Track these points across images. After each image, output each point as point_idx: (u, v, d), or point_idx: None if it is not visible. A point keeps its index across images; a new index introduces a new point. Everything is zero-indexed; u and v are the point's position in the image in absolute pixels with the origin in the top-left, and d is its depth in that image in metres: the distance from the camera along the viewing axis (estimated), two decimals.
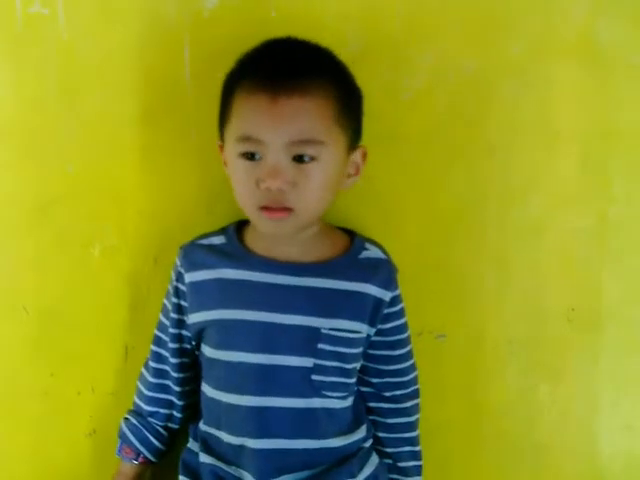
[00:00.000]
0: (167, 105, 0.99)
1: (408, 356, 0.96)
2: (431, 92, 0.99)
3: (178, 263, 0.93)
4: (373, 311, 0.90)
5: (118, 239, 1.02)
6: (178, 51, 0.97)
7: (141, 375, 0.99)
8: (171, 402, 0.97)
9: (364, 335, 0.90)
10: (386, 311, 0.92)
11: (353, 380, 0.92)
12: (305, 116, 0.80)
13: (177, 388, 0.96)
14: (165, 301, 0.96)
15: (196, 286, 0.91)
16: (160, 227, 1.02)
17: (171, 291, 0.94)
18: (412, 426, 0.97)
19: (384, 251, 0.95)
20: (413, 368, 0.97)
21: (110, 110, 0.99)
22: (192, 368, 0.96)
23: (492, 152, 1.00)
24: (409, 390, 0.97)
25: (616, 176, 1.01)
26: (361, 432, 0.93)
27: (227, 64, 0.87)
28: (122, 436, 0.97)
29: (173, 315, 0.94)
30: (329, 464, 0.89)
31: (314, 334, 0.87)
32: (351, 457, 0.90)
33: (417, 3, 0.97)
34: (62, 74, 0.98)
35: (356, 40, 0.97)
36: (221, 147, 0.89)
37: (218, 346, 0.89)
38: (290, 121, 0.80)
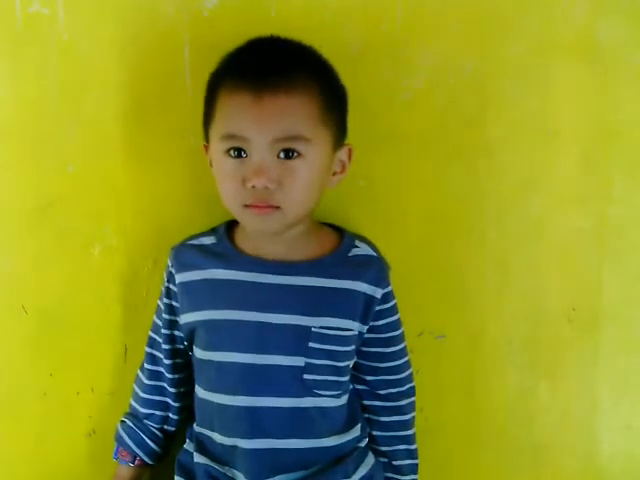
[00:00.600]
0: (167, 105, 0.99)
1: (402, 353, 0.96)
2: (431, 92, 0.99)
3: (169, 264, 0.93)
4: (364, 308, 0.90)
5: (117, 239, 1.02)
6: (178, 51, 0.97)
7: (137, 377, 0.99)
8: (167, 404, 0.97)
9: (355, 333, 0.90)
10: (378, 308, 0.91)
11: (346, 378, 0.92)
12: (290, 114, 0.81)
13: (172, 389, 0.96)
14: (158, 302, 0.97)
15: (187, 286, 0.91)
16: (159, 228, 1.02)
17: (163, 292, 0.95)
18: (407, 424, 0.97)
19: (374, 248, 0.95)
20: (408, 365, 0.97)
21: (110, 110, 0.99)
22: (186, 369, 0.96)
23: (492, 152, 1.00)
24: (404, 388, 0.97)
25: (616, 176, 1.01)
26: (356, 431, 0.93)
27: None
28: (119, 439, 0.97)
29: (165, 316, 0.94)
30: (323, 464, 0.89)
31: (305, 333, 0.87)
32: (346, 457, 0.90)
33: (417, 3, 0.97)
34: (62, 74, 0.98)
35: (356, 40, 0.97)
36: (206, 148, 0.89)
37: (209, 347, 0.89)
38: (275, 119, 0.80)
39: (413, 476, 0.97)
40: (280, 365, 0.87)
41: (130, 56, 0.98)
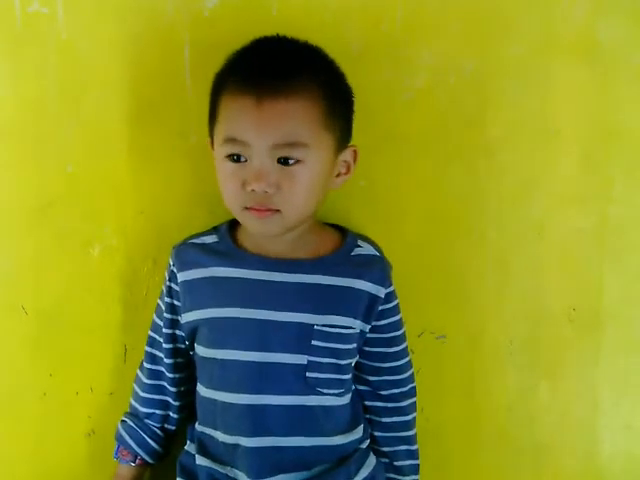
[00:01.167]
0: (167, 105, 0.99)
1: (404, 353, 0.96)
2: (431, 92, 0.99)
3: (171, 263, 0.93)
4: (367, 307, 0.90)
5: (117, 239, 1.02)
6: (178, 51, 0.97)
7: (136, 377, 0.99)
8: (167, 403, 0.97)
9: (357, 331, 0.90)
10: (381, 307, 0.92)
11: (348, 377, 0.92)
12: (289, 119, 0.80)
13: (172, 389, 0.96)
14: (159, 301, 0.97)
15: (189, 285, 0.91)
16: (159, 227, 1.02)
17: (164, 291, 0.95)
18: (408, 425, 0.97)
19: (377, 248, 0.95)
20: (410, 365, 0.97)
21: (109, 110, 0.99)
22: (187, 368, 0.96)
23: (492, 152, 1.00)
24: (407, 388, 0.97)
25: (616, 176, 1.01)
26: (358, 432, 0.93)
27: None
28: (119, 439, 0.97)
29: (167, 315, 0.94)
30: (325, 463, 0.89)
31: (307, 331, 0.87)
32: (348, 458, 0.90)
33: (417, 3, 0.97)
34: (61, 73, 0.98)
35: (356, 40, 0.97)
36: (211, 144, 0.89)
37: (212, 345, 0.89)
38: (274, 124, 0.80)
39: (414, 476, 0.97)
40: (283, 363, 0.87)
41: (130, 56, 0.98)
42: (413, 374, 0.98)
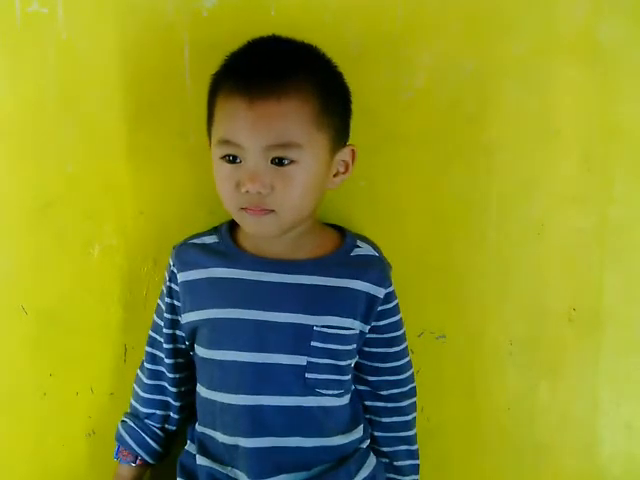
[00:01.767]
0: (166, 105, 0.99)
1: (404, 353, 0.96)
2: (431, 92, 0.99)
3: (171, 263, 0.93)
4: (366, 308, 0.90)
5: (117, 239, 1.02)
6: (178, 51, 0.97)
7: (137, 377, 0.99)
8: (167, 403, 0.97)
9: (357, 332, 0.90)
10: (380, 308, 0.92)
11: (347, 377, 0.92)
12: (281, 120, 0.80)
13: (173, 389, 0.96)
14: (159, 302, 0.97)
15: (189, 285, 0.91)
16: (159, 227, 1.02)
17: (165, 291, 0.95)
18: (408, 425, 0.97)
19: (376, 248, 0.95)
20: (409, 366, 0.97)
21: (109, 110, 0.99)
22: (187, 368, 0.96)
23: (492, 152, 1.00)
24: (406, 389, 0.97)
25: (617, 176, 1.00)
26: (358, 432, 0.93)
27: None
28: (119, 439, 0.97)
29: (167, 315, 0.94)
30: (326, 464, 0.89)
31: (306, 332, 0.87)
32: (348, 458, 0.90)
33: (417, 3, 0.96)
34: (61, 73, 0.98)
35: (356, 40, 0.97)
36: (210, 145, 0.89)
37: (211, 345, 0.89)
38: (266, 125, 0.80)
39: (414, 476, 0.97)
40: (282, 364, 0.87)
41: (130, 56, 0.98)
42: (413, 374, 0.98)
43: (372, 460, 0.93)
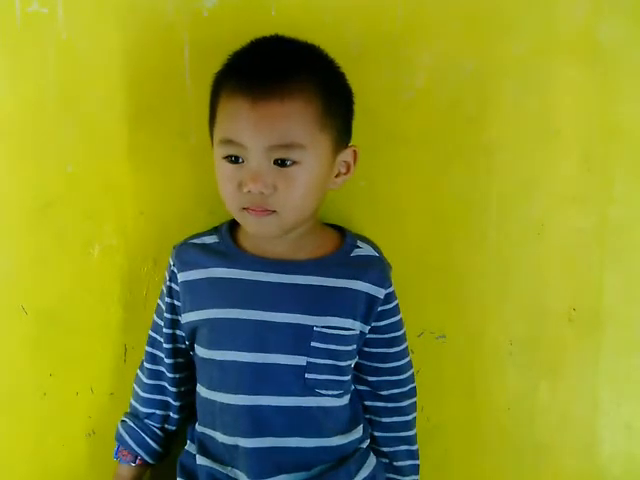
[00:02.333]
0: (167, 105, 0.99)
1: (404, 353, 0.96)
2: (431, 92, 0.99)
3: (171, 263, 0.93)
4: (366, 308, 0.90)
5: (117, 239, 1.02)
6: (178, 51, 0.97)
7: (136, 377, 0.99)
8: (167, 403, 0.97)
9: (357, 332, 0.90)
10: (380, 308, 0.92)
11: (347, 378, 0.92)
12: (284, 120, 0.80)
13: (173, 389, 0.96)
14: (159, 301, 0.97)
15: (189, 285, 0.91)
16: (159, 227, 1.02)
17: (165, 291, 0.95)
18: (408, 425, 0.97)
19: (376, 249, 0.95)
20: (410, 366, 0.97)
21: (109, 110, 0.99)
22: (187, 368, 0.96)
23: (492, 152, 1.00)
24: (407, 389, 0.97)
25: (617, 176, 1.00)
26: (358, 432, 0.93)
27: None
28: (119, 439, 0.97)
29: (167, 315, 0.94)
30: (326, 464, 0.89)
31: (306, 332, 0.87)
32: (348, 458, 0.90)
33: (417, 3, 0.96)
34: (61, 73, 0.98)
35: (356, 40, 0.97)
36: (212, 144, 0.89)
37: (211, 345, 0.89)
38: (269, 126, 0.80)
39: (414, 477, 0.97)
40: (282, 364, 0.87)
41: (130, 56, 0.98)
42: (413, 374, 0.98)
43: (372, 460, 0.93)
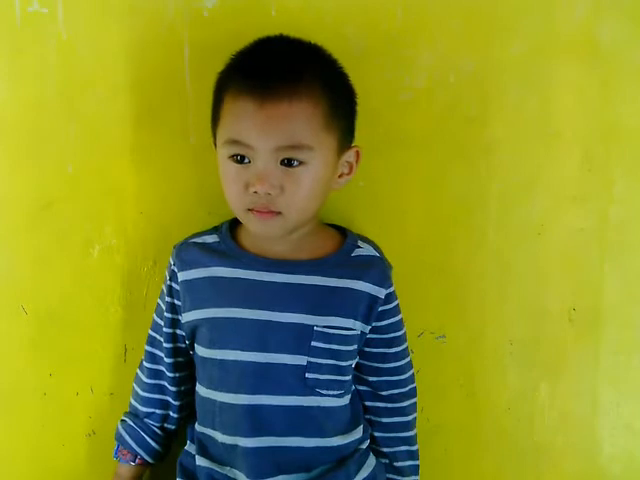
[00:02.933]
0: (167, 105, 0.99)
1: (404, 354, 0.96)
2: (431, 92, 0.99)
3: (172, 262, 0.93)
4: (367, 308, 0.90)
5: (117, 239, 1.02)
6: (178, 50, 0.97)
7: (136, 376, 0.99)
8: (167, 402, 0.97)
9: (358, 332, 0.90)
10: (381, 308, 0.92)
11: (348, 378, 0.92)
12: (292, 122, 0.80)
13: (173, 388, 0.96)
14: (159, 301, 0.97)
15: (189, 284, 0.91)
16: (159, 228, 1.02)
17: (165, 290, 0.95)
18: (408, 425, 0.97)
19: (377, 249, 0.95)
20: (410, 366, 0.97)
21: (109, 110, 0.99)
22: (187, 367, 0.96)
23: (492, 152, 1.00)
24: (407, 389, 0.97)
25: (617, 176, 1.01)
26: (358, 432, 0.93)
27: None
28: (119, 438, 0.97)
29: (167, 314, 0.94)
30: (326, 465, 0.89)
31: (307, 332, 0.87)
32: (348, 459, 0.90)
33: (417, 3, 0.96)
34: (61, 73, 0.98)
35: (356, 40, 0.97)
36: (215, 144, 0.89)
37: (211, 345, 0.89)
38: (277, 127, 0.80)
39: (414, 477, 0.97)
40: (282, 364, 0.87)
41: (130, 56, 0.98)
42: (413, 375, 0.98)
43: (372, 461, 0.93)
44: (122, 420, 0.98)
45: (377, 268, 0.92)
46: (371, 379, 0.96)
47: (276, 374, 0.87)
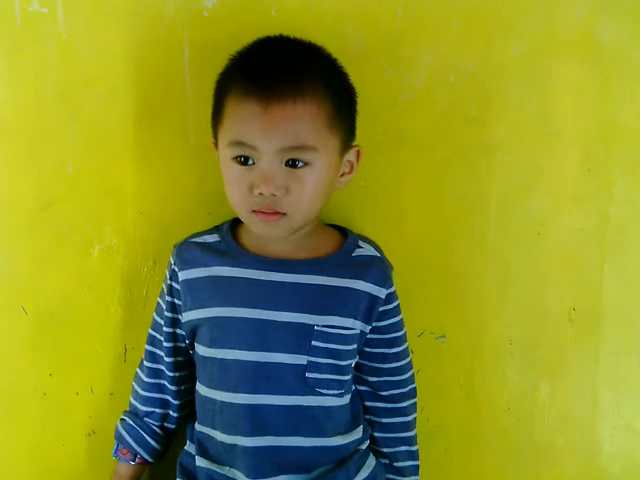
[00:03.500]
0: (167, 105, 0.99)
1: (405, 354, 0.96)
2: (431, 92, 0.99)
3: (172, 261, 0.93)
4: (367, 308, 0.90)
5: (117, 239, 1.02)
6: (178, 50, 0.97)
7: (136, 375, 0.99)
8: (167, 401, 0.97)
9: (357, 332, 0.90)
10: (382, 308, 0.92)
11: (348, 377, 0.92)
12: (297, 123, 0.80)
13: (172, 387, 0.96)
14: (159, 300, 0.97)
15: (190, 284, 0.91)
16: (159, 228, 1.02)
17: (165, 290, 0.95)
18: (409, 426, 0.97)
19: (378, 249, 0.95)
20: (410, 366, 0.98)
21: (109, 110, 0.99)
22: (187, 367, 0.96)
23: (492, 152, 1.00)
24: (407, 389, 0.97)
25: (617, 176, 1.01)
26: (358, 433, 0.93)
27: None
28: (119, 437, 0.97)
29: (167, 314, 0.94)
30: (325, 464, 0.89)
31: (307, 331, 0.87)
32: (347, 460, 0.90)
33: (417, 3, 0.97)
34: (61, 73, 0.98)
35: (356, 40, 0.97)
36: (215, 144, 0.89)
37: (212, 344, 0.89)
38: (282, 128, 0.80)
39: (414, 477, 0.97)
40: (283, 363, 0.87)
41: (130, 56, 0.98)
42: (413, 375, 0.98)
43: (371, 461, 0.93)
44: (122, 419, 0.98)
45: (378, 268, 0.92)
46: (371, 379, 0.96)
47: (276, 373, 0.87)
